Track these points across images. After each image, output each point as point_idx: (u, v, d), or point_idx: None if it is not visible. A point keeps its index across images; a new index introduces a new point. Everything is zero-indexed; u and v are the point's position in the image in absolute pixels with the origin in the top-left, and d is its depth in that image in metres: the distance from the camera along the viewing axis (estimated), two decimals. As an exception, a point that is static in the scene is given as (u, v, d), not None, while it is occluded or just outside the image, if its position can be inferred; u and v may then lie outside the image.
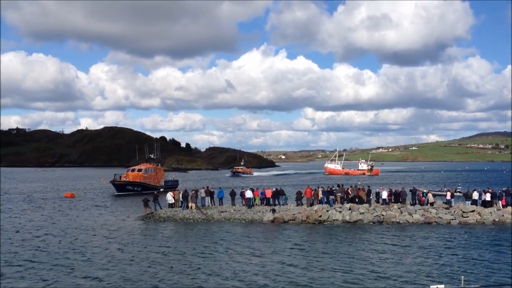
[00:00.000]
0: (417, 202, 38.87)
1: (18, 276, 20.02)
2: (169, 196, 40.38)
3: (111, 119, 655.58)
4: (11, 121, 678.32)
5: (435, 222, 34.48)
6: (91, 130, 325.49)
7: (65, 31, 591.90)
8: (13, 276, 20.06)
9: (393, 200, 38.46)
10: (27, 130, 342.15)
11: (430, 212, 35.64)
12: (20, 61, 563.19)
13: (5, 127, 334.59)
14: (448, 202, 38.19)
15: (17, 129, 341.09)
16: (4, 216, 39.73)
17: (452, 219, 34.60)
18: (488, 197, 37.81)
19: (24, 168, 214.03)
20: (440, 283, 12.84)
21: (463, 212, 35.72)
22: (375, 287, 18.17)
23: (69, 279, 19.50)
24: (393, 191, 39.70)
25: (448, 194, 39.84)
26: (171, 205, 39.83)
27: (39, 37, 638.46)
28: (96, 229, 32.67)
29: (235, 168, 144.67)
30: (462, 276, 12.22)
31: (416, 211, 35.83)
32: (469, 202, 38.34)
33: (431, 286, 10.92)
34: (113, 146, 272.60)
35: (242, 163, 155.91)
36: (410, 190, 41.71)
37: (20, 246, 26.60)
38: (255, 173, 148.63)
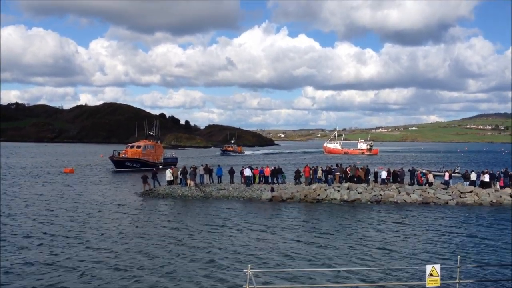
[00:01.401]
0: (415, 182, 38.93)
1: (38, 249, 20.12)
2: (168, 173, 40.40)
3: (111, 95, 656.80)
4: (11, 95, 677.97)
5: (432, 202, 34.58)
6: (90, 106, 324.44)
7: (66, 6, 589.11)
8: (34, 248, 20.28)
9: (391, 180, 38.53)
10: (26, 105, 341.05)
11: (428, 192, 35.73)
12: (20, 35, 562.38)
13: (4, 101, 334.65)
14: (446, 183, 38.28)
15: (17, 103, 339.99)
16: (12, 190, 39.82)
17: (450, 200, 34.70)
18: (486, 178, 37.89)
19: (23, 143, 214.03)
20: (436, 263, 12.86)
21: (461, 192, 35.80)
22: (372, 267, 18.24)
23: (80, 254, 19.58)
24: (392, 171, 39.76)
25: (447, 174, 39.97)
26: (169, 182, 39.88)
27: (39, 11, 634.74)
28: (94, 206, 32.71)
29: (225, 147, 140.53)
30: (459, 256, 12.21)
31: (414, 191, 35.90)
32: (467, 183, 38.44)
33: (427, 266, 10.91)
34: (113, 123, 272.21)
35: (233, 141, 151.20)
36: (409, 170, 41.79)
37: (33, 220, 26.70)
38: (247, 152, 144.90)
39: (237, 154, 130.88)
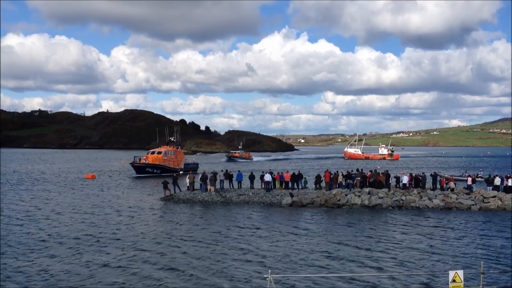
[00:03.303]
0: (437, 187, 38.49)
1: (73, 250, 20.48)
2: (188, 179, 40.70)
3: (132, 101, 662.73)
4: (34, 103, 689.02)
5: (455, 207, 34.13)
6: (112, 112, 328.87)
7: (88, 14, 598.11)
8: (83, 251, 20.62)
9: (413, 185, 38.17)
10: (49, 112, 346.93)
11: (450, 197, 35.28)
12: (43, 43, 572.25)
13: (28, 109, 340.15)
14: (469, 188, 37.75)
15: (40, 111, 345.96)
16: (38, 195, 40.59)
17: (473, 205, 34.21)
18: (510, 182, 37.30)
19: (46, 150, 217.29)
20: (459, 268, 12.73)
21: (484, 197, 35.28)
22: (393, 272, 18.08)
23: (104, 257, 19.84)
24: (414, 175, 39.39)
25: (469, 179, 39.40)
26: (188, 188, 40.10)
27: (61, 20, 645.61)
28: (116, 210, 33.08)
29: (231, 153, 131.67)
30: (482, 262, 12.08)
31: (436, 196, 35.49)
32: (491, 187, 37.86)
33: (450, 271, 10.81)
34: (134, 129, 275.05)
35: (240, 147, 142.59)
36: (431, 175, 41.35)
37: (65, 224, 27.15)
38: (256, 158, 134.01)
39: (244, 160, 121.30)
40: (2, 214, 30.76)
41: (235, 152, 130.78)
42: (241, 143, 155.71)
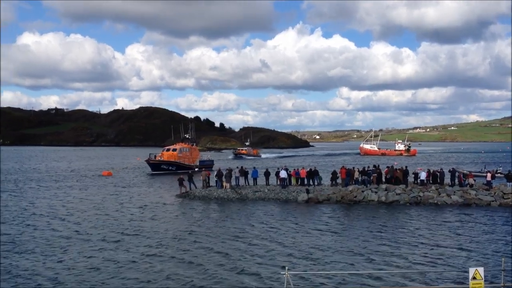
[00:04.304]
0: (456, 183, 37.97)
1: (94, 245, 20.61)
2: (201, 176, 40.73)
3: (147, 99, 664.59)
4: (51, 101, 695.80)
5: (474, 203, 33.64)
6: (127, 110, 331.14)
7: (102, 12, 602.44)
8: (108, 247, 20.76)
9: (431, 181, 37.71)
10: (65, 110, 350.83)
11: (469, 194, 34.77)
12: (59, 42, 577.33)
13: (44, 107, 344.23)
14: (489, 184, 37.19)
15: (56, 109, 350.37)
16: (60, 192, 41.00)
17: (492, 201, 33.68)
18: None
19: (62, 147, 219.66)
20: (480, 265, 12.45)
21: (504, 193, 34.69)
22: (413, 269, 17.84)
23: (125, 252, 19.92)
24: (432, 171, 38.91)
25: (489, 175, 38.80)
26: (203, 185, 40.11)
27: (76, 18, 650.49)
28: (138, 207, 33.32)
29: (239, 149, 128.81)
30: (503, 258, 11.80)
31: (454, 192, 35.01)
32: (511, 183, 37.25)
33: (470, 269, 10.57)
34: (149, 126, 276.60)
35: (247, 143, 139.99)
36: (449, 171, 40.78)
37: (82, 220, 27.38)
38: (264, 155, 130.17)
39: (252, 157, 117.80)
40: (27, 211, 31.26)
41: (242, 149, 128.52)
42: (248, 140, 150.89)
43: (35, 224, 26.84)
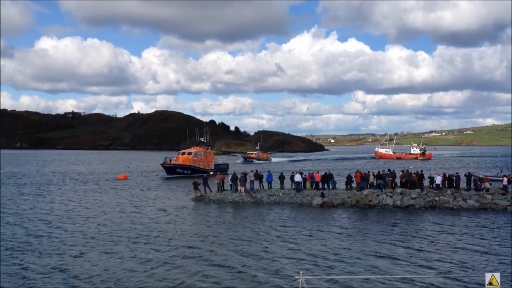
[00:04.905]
0: (472, 187, 37.69)
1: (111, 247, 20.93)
2: (215, 180, 40.92)
3: (163, 103, 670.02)
4: (68, 105, 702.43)
5: (490, 208, 33.37)
6: (143, 114, 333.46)
7: (119, 17, 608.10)
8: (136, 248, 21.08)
9: (447, 185, 37.49)
10: (82, 114, 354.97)
11: (486, 198, 34.50)
12: (76, 46, 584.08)
13: (61, 111, 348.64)
14: (505, 188, 36.88)
15: (73, 112, 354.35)
16: (81, 195, 41.58)
17: (509, 205, 33.36)
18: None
19: (79, 151, 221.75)
20: (496, 271, 12.40)
21: (521, 198, 34.36)
22: (426, 275, 17.79)
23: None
24: (447, 175, 38.68)
25: (505, 179, 38.51)
26: (218, 189, 40.31)
27: (93, 22, 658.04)
28: (158, 209, 33.68)
29: (248, 153, 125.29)
30: (520, 264, 11.76)
31: (470, 196, 34.77)
32: (528, 188, 36.91)
33: (486, 274, 10.55)
34: (164, 130, 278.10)
35: (257, 147, 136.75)
36: (465, 175, 40.50)
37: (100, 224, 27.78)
38: (275, 159, 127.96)
39: (262, 161, 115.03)
40: (53, 214, 31.84)
41: (252, 153, 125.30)
42: (258, 144, 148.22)
43: (64, 226, 27.39)
